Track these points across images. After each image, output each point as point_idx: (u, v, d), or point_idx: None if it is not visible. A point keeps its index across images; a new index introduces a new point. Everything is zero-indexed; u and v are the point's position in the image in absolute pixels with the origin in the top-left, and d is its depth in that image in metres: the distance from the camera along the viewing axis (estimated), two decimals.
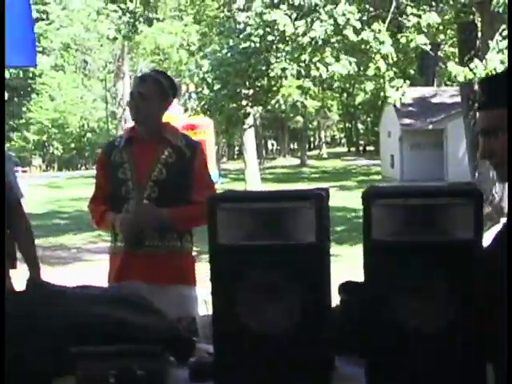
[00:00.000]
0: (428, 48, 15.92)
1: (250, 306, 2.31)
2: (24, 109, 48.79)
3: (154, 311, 2.47)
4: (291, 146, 68.30)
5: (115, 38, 32.26)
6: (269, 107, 21.91)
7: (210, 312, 2.49)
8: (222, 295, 2.37)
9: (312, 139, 75.39)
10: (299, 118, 52.61)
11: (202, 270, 3.83)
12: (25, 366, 2.14)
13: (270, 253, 2.31)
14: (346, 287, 2.64)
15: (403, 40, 15.36)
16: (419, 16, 15.22)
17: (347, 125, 67.57)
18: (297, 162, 51.94)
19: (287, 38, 16.15)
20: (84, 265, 14.15)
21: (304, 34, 15.64)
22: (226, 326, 2.36)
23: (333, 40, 15.51)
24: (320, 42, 15.19)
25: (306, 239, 2.28)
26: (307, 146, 59.13)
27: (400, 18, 15.91)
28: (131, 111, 3.70)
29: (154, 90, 3.64)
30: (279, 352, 2.29)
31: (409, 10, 15.54)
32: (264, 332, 2.30)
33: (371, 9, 16.10)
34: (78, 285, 2.67)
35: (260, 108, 20.95)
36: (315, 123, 65.08)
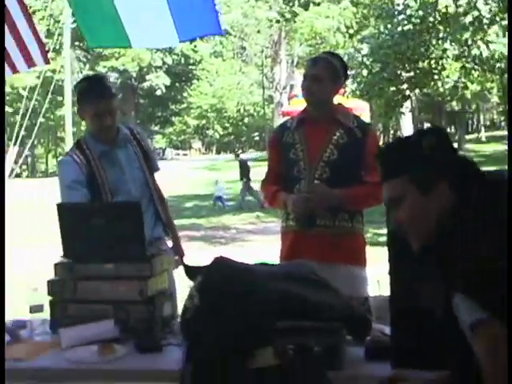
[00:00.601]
0: None
1: (427, 287, 2.29)
2: (185, 94, 50.22)
3: (331, 289, 2.49)
4: (448, 129, 66.43)
5: (277, 21, 32.63)
6: (426, 90, 21.35)
7: (383, 293, 2.48)
8: (399, 276, 2.37)
9: (470, 122, 72.96)
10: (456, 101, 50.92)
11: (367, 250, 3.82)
12: (229, 340, 2.20)
13: None
14: None
15: None
16: None
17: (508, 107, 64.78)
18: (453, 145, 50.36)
19: (448, 19, 15.69)
20: (243, 244, 14.44)
21: (466, 14, 15.15)
22: (404, 307, 2.35)
23: (497, 18, 14.91)
24: (485, 21, 14.63)
25: None
26: (465, 130, 57.19)
27: None
28: (303, 93, 3.73)
29: (326, 72, 3.64)
30: (457, 336, 2.25)
31: None
32: (441, 314, 2.27)
33: None
34: (255, 262, 2.74)
35: (417, 91, 20.46)
36: (473, 106, 62.89)
